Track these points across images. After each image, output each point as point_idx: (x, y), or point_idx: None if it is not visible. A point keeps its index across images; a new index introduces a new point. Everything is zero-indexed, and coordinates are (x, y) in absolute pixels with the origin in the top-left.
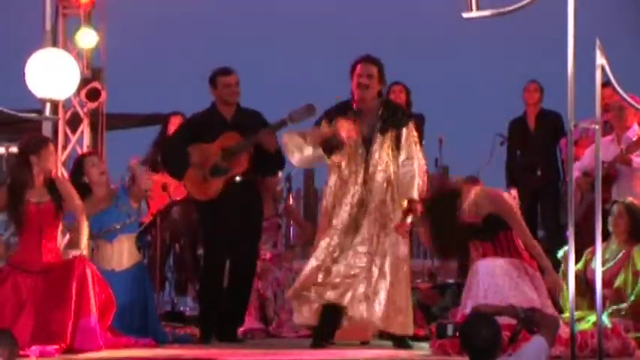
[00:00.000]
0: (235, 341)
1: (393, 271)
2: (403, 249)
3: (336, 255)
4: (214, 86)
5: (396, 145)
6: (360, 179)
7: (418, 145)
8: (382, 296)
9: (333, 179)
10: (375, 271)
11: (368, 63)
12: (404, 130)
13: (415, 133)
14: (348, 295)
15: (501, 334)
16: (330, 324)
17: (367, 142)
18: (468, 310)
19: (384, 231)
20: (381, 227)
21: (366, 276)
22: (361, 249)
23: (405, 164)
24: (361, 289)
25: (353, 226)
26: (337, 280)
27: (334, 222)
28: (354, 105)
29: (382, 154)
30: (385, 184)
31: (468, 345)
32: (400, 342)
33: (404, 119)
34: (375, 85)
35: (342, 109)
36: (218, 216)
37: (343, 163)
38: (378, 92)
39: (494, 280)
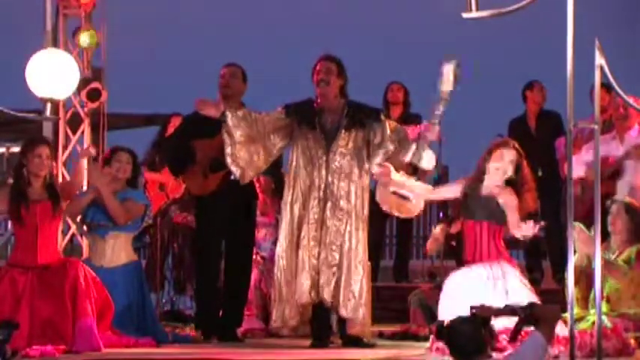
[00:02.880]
0: (235, 341)
1: (354, 263)
2: (363, 244)
3: (313, 254)
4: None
5: (366, 148)
6: (322, 177)
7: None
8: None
9: (297, 181)
10: (345, 265)
11: (326, 60)
12: (375, 126)
13: (391, 121)
14: (333, 294)
15: (483, 331)
16: (325, 323)
17: (329, 140)
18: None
19: (346, 226)
20: (343, 223)
21: (338, 272)
22: (333, 247)
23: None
24: (339, 285)
25: (320, 223)
26: (321, 280)
27: (306, 220)
28: (317, 104)
29: (346, 154)
30: (347, 185)
31: (453, 347)
32: (355, 341)
33: (372, 115)
34: (334, 80)
35: (303, 107)
36: (213, 213)
37: (302, 162)
38: (341, 89)
39: (469, 290)
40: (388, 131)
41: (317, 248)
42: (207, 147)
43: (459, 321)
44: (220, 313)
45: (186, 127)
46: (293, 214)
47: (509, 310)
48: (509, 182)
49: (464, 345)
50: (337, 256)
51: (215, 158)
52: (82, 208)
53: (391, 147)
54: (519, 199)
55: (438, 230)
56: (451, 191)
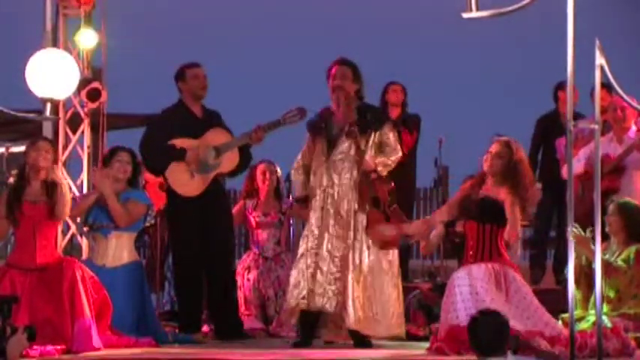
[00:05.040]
0: (234, 341)
1: (363, 273)
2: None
3: (313, 261)
4: (183, 80)
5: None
6: (323, 184)
7: (394, 144)
8: (357, 299)
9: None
10: (349, 275)
11: (341, 65)
12: (373, 135)
13: (391, 135)
14: (332, 301)
15: (508, 329)
16: (311, 328)
17: (331, 146)
18: (450, 322)
19: (353, 235)
20: (349, 230)
21: (340, 280)
22: (332, 256)
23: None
24: (338, 293)
25: (321, 231)
26: (320, 289)
27: (310, 227)
28: (330, 109)
29: (346, 159)
30: (351, 190)
31: (476, 342)
32: (362, 341)
33: (374, 124)
34: (349, 85)
35: (318, 117)
36: (185, 214)
37: (314, 174)
38: (357, 93)
39: (472, 290)
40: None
41: (315, 257)
42: (193, 147)
43: (485, 317)
44: (217, 314)
45: (162, 124)
46: (307, 222)
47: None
48: (509, 181)
49: (489, 340)
50: (339, 265)
51: (204, 161)
52: (85, 210)
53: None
54: (520, 195)
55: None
56: (444, 214)
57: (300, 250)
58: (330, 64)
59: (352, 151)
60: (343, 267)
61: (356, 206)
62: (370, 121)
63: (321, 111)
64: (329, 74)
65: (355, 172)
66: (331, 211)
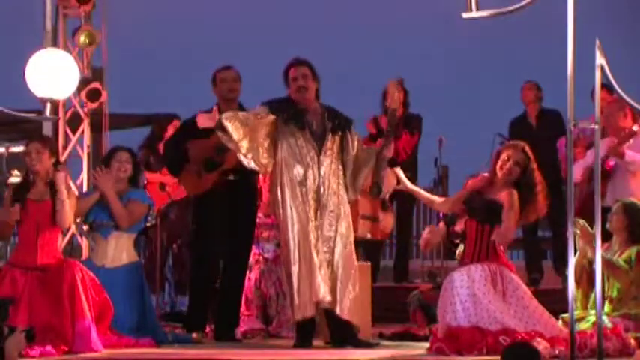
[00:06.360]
0: (234, 341)
1: (347, 263)
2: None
3: (305, 252)
4: (214, 84)
5: (341, 149)
6: (316, 178)
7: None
8: (346, 288)
9: (285, 178)
10: (340, 265)
11: (299, 65)
12: (348, 134)
13: (355, 133)
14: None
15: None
16: (312, 325)
17: (318, 141)
18: (449, 323)
19: (337, 226)
20: (333, 224)
21: (333, 274)
22: (325, 248)
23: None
24: (337, 286)
25: (314, 224)
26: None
27: (297, 219)
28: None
29: (332, 156)
30: (336, 186)
31: None
32: (359, 340)
33: (348, 123)
34: (311, 84)
35: (287, 105)
36: (211, 213)
37: (290, 160)
38: (316, 92)
39: (471, 291)
40: (357, 144)
41: (315, 249)
42: (201, 146)
43: (519, 349)
44: (219, 313)
45: (184, 130)
46: (292, 215)
47: None
48: (517, 185)
49: None
50: (328, 256)
51: (209, 157)
52: (86, 210)
53: (359, 162)
54: (529, 203)
55: (435, 229)
56: (447, 205)
57: (298, 248)
58: (286, 65)
59: (335, 148)
60: (335, 261)
61: (343, 198)
62: (343, 121)
63: (286, 101)
64: (286, 76)
65: (340, 171)
66: (320, 205)
